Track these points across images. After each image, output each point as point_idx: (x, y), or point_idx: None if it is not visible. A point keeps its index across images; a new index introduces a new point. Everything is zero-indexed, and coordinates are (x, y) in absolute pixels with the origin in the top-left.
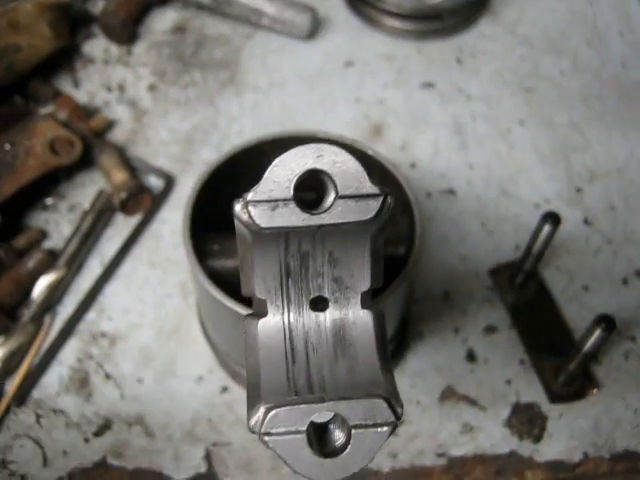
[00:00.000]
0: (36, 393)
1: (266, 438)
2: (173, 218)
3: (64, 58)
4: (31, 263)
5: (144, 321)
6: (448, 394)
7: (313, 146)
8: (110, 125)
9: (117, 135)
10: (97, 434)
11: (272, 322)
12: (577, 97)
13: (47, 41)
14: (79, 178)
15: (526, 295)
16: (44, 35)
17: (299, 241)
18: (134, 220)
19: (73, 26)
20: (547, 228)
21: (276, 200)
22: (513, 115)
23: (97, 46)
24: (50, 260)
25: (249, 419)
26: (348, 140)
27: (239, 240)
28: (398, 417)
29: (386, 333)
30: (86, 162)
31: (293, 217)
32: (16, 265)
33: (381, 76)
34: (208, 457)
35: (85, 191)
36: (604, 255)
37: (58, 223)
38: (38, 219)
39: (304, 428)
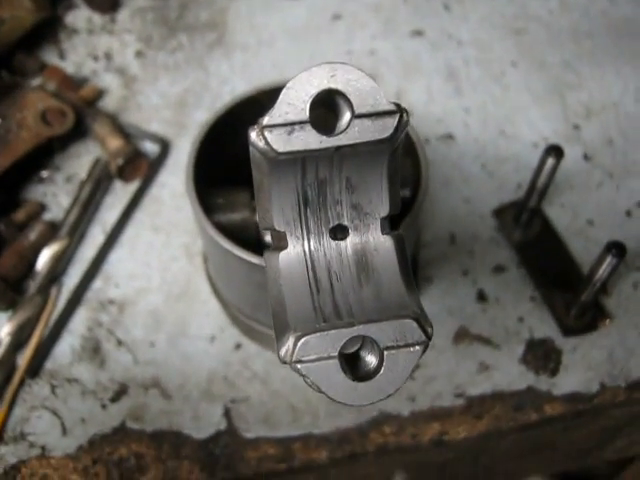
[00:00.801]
0: (49, 364)
1: (298, 366)
2: (172, 181)
3: (47, 30)
4: (33, 235)
5: (151, 285)
6: (462, 335)
7: (326, 65)
8: (100, 94)
9: (108, 103)
10: (114, 400)
11: (293, 254)
12: (567, 35)
13: (29, 13)
14: (73, 148)
15: (532, 233)
16: (25, 7)
17: (316, 167)
18: (133, 186)
19: None
20: (550, 162)
21: (292, 123)
22: (505, 57)
23: (79, 16)
24: (51, 231)
25: (279, 349)
26: None
27: (255, 171)
28: (429, 336)
29: (408, 257)
30: (79, 132)
31: (310, 139)
32: (18, 238)
33: (369, 27)
34: (227, 414)
35: (80, 161)
36: (606, 189)
37: (56, 195)
38: (35, 192)
39: (336, 353)
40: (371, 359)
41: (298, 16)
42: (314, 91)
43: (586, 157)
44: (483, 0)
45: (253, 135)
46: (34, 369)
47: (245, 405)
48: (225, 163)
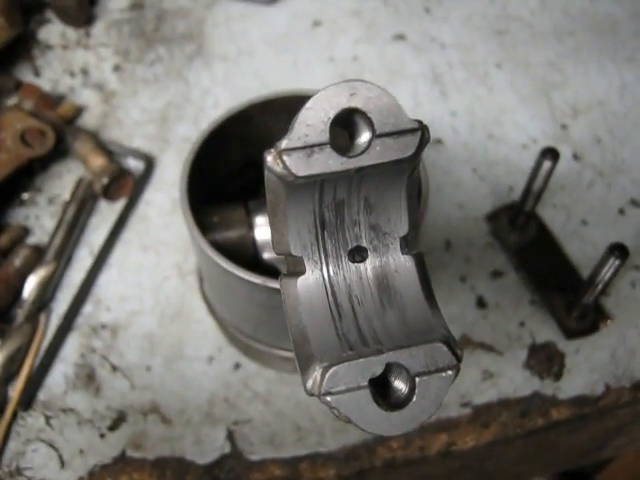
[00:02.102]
0: (42, 395)
1: (328, 398)
2: (158, 198)
3: (20, 47)
4: (18, 261)
5: (144, 307)
6: (464, 343)
7: (345, 84)
8: (79, 111)
9: (88, 120)
10: (112, 428)
11: (311, 279)
12: (549, 35)
13: (1, 30)
14: (54, 168)
15: (527, 236)
16: None
17: (334, 189)
18: (118, 205)
19: (25, 12)
20: (547, 164)
21: (312, 145)
22: (489, 59)
23: (53, 31)
24: (37, 256)
25: (305, 381)
26: None
27: (270, 194)
28: (459, 359)
29: (428, 276)
30: (59, 151)
31: (331, 162)
32: (2, 265)
33: (351, 33)
34: (230, 437)
35: (62, 181)
36: (598, 188)
37: (39, 217)
38: (17, 216)
39: (366, 383)
40: (401, 385)
41: (278, 23)
42: (334, 111)
43: (576, 157)
44: (463, 1)
45: (270, 159)
46: (27, 401)
47: (248, 426)
48: (215, 178)
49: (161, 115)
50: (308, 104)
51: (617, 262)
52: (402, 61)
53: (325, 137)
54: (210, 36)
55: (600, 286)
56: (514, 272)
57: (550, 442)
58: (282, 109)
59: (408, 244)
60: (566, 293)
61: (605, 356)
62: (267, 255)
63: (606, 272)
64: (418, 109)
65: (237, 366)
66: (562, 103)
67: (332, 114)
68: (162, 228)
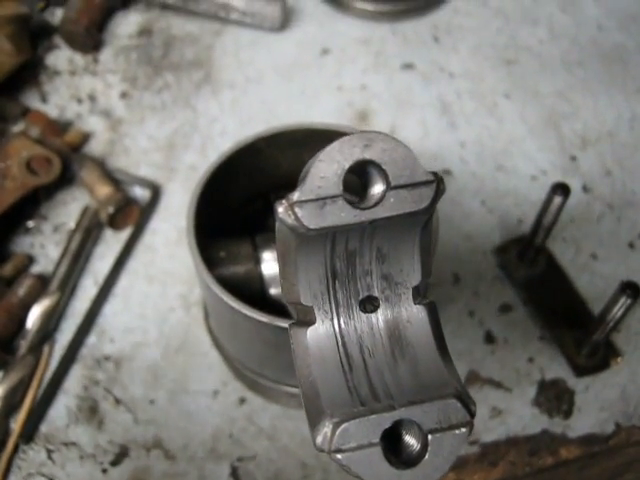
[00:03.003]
0: (44, 427)
1: (338, 456)
2: (164, 228)
3: (28, 73)
4: (22, 291)
5: (148, 339)
6: (472, 379)
7: (359, 135)
8: (86, 138)
9: (94, 148)
10: (114, 463)
11: (322, 329)
12: (558, 65)
13: (9, 57)
14: (60, 196)
15: (536, 270)
16: (5, 50)
17: (346, 239)
18: (124, 234)
19: (33, 38)
20: (557, 200)
21: (324, 198)
22: (497, 89)
23: (61, 57)
24: (41, 285)
25: (315, 437)
26: (351, 129)
27: (280, 244)
28: (473, 415)
29: (441, 327)
30: (65, 179)
31: (343, 214)
32: (6, 295)
33: (359, 61)
34: (235, 473)
35: (68, 209)
36: (607, 221)
37: (43, 246)
38: (22, 244)
39: (377, 440)
40: (412, 441)
41: (286, 51)
42: (347, 163)
43: (585, 189)
44: (472, 31)
45: (281, 210)
46: (28, 434)
47: (253, 463)
48: (222, 209)
49: (168, 143)
50: (321, 156)
51: (629, 301)
52: (410, 90)
53: (338, 189)
54: (218, 63)
55: (611, 324)
56: (523, 307)
57: (559, 479)
58: (290, 142)
59: (420, 293)
60: (576, 329)
61: (615, 394)
62: (274, 290)
63: (617, 310)
64: (426, 139)
65: (242, 401)
66: (571, 134)
67: (346, 166)
68: (168, 258)
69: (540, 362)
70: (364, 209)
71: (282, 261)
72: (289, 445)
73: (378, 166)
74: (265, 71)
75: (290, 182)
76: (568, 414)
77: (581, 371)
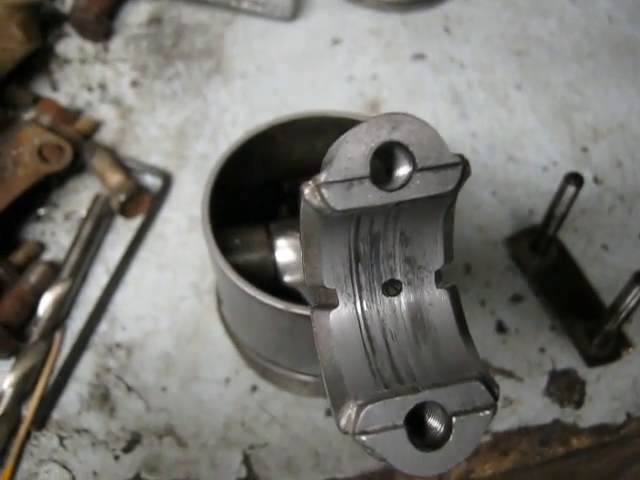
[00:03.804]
0: (56, 414)
1: (363, 437)
2: (175, 216)
3: (38, 61)
4: (33, 278)
5: (160, 327)
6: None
7: (386, 116)
8: (97, 126)
9: (105, 136)
10: (127, 450)
11: (344, 312)
12: (569, 57)
13: (20, 44)
14: (71, 184)
15: (548, 260)
16: (16, 38)
17: (371, 222)
18: (135, 222)
19: (43, 26)
20: (570, 190)
21: (351, 179)
22: (509, 80)
23: (71, 45)
24: (52, 273)
25: (339, 419)
26: (364, 117)
27: (304, 227)
28: (496, 398)
29: (463, 311)
30: (76, 167)
31: (370, 195)
32: (18, 282)
33: (370, 51)
34: (247, 461)
35: (79, 197)
36: (618, 212)
37: (54, 233)
38: (33, 231)
39: (401, 422)
40: (436, 424)
41: (297, 41)
42: (375, 144)
43: (596, 180)
44: (483, 22)
45: (307, 191)
46: (40, 420)
47: (265, 451)
48: (235, 196)
49: (178, 132)
50: (348, 137)
51: None
52: (421, 81)
53: (365, 171)
54: (229, 52)
55: (623, 314)
56: (534, 297)
57: (569, 470)
58: (304, 129)
59: (442, 277)
60: (587, 320)
61: (627, 384)
62: (288, 278)
63: (630, 300)
64: (437, 129)
65: (254, 389)
66: (582, 125)
67: (373, 147)
68: (179, 246)
69: (551, 352)
70: (390, 191)
71: (306, 244)
72: (301, 433)
73: (405, 148)
74: (276, 61)
75: (302, 170)
76: (579, 404)
77: (592, 361)
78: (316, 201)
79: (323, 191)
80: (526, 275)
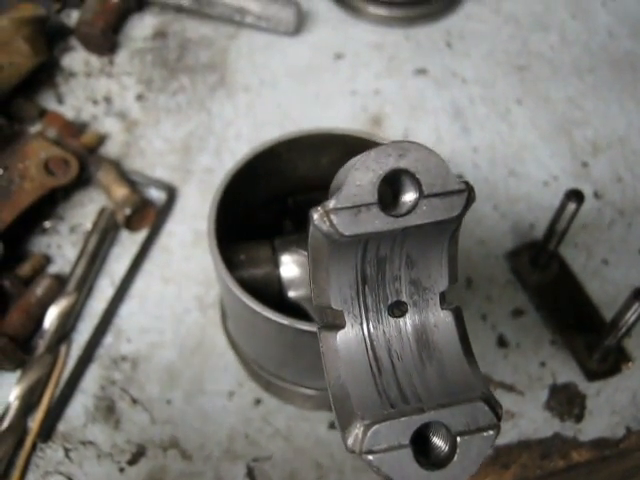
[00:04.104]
0: (62, 426)
1: (369, 457)
2: (180, 230)
3: (44, 74)
4: (39, 291)
5: (165, 339)
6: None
7: (393, 144)
8: (102, 140)
9: (110, 149)
10: (132, 462)
11: (351, 333)
12: (570, 71)
13: (26, 58)
14: (76, 197)
15: (548, 275)
16: (23, 52)
17: (378, 246)
18: (140, 236)
19: (49, 40)
20: (571, 206)
21: (359, 205)
22: (510, 95)
23: (77, 59)
24: (58, 286)
25: (346, 439)
26: (369, 135)
27: (312, 250)
28: (500, 418)
29: (466, 331)
30: (82, 180)
31: (377, 221)
32: (24, 294)
33: (373, 66)
34: (251, 474)
35: (84, 210)
36: (618, 227)
37: (60, 246)
38: (39, 244)
39: (407, 442)
40: (440, 443)
41: (300, 55)
42: (382, 172)
43: (596, 195)
44: (484, 37)
45: (316, 217)
46: (46, 432)
47: (269, 464)
48: (240, 212)
49: (183, 145)
50: (357, 164)
51: None
52: (423, 95)
53: (373, 197)
54: (233, 66)
55: (623, 329)
56: (535, 311)
57: None
58: (309, 146)
59: (446, 299)
60: (587, 334)
61: (626, 398)
62: (292, 293)
63: (630, 316)
64: (439, 144)
65: (258, 402)
66: (582, 140)
67: (381, 175)
68: (183, 260)
69: (552, 366)
70: (397, 217)
71: (314, 266)
72: (304, 446)
73: (412, 175)
74: (279, 75)
75: (307, 186)
76: (579, 418)
77: (592, 375)
78: (325, 226)
79: (332, 217)
80: (527, 289)
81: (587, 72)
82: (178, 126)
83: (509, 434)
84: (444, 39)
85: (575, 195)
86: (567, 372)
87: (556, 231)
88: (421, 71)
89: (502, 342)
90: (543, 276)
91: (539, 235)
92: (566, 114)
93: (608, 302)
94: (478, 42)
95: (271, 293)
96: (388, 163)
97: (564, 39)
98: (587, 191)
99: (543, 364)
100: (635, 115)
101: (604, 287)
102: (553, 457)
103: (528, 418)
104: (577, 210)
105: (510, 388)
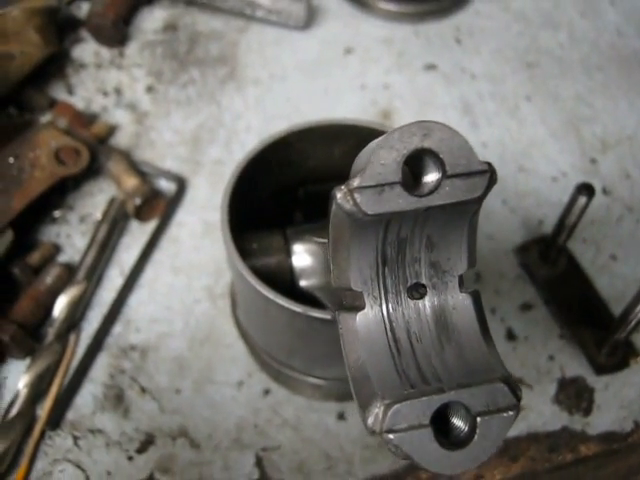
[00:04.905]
0: (70, 414)
1: (390, 436)
2: (189, 220)
3: (55, 65)
4: (49, 279)
5: (174, 329)
6: None
7: (418, 124)
8: (112, 130)
9: (120, 140)
10: (140, 451)
11: (371, 315)
12: (579, 69)
13: (37, 48)
14: (86, 187)
15: (557, 270)
16: (34, 42)
17: (399, 227)
18: (150, 226)
19: (60, 31)
20: (582, 200)
21: (383, 184)
22: (519, 91)
23: (87, 50)
24: (68, 275)
25: (366, 418)
26: (381, 125)
27: (334, 231)
28: (519, 399)
29: (484, 314)
30: (92, 170)
31: (401, 200)
32: (33, 283)
33: (382, 61)
34: (259, 463)
35: (94, 200)
36: (627, 223)
37: (70, 236)
38: (48, 233)
39: (427, 421)
40: (460, 423)
41: (310, 50)
42: (407, 151)
43: (605, 191)
44: (494, 34)
45: (340, 196)
46: (55, 420)
47: (277, 453)
48: (251, 201)
49: (193, 137)
50: (381, 142)
51: None
52: (433, 91)
53: (397, 176)
54: (243, 60)
55: (632, 323)
56: (544, 305)
57: (576, 477)
58: (320, 137)
59: (464, 282)
60: (596, 328)
61: (634, 392)
62: (304, 282)
63: (639, 310)
64: None
65: (267, 392)
66: (591, 137)
67: (405, 154)
68: (193, 250)
69: (560, 360)
70: (420, 196)
71: (334, 247)
72: (313, 436)
73: (435, 155)
74: (289, 69)
75: (318, 177)
76: (588, 412)
77: (601, 369)
78: (348, 205)
79: (356, 195)
80: (536, 284)
81: (596, 70)
82: (188, 118)
83: (518, 427)
84: (453, 35)
85: (586, 189)
86: (575, 366)
87: (566, 225)
88: (430, 67)
89: (511, 336)
90: (552, 271)
91: (548, 230)
92: (575, 111)
93: (616, 297)
94: (487, 39)
95: (283, 282)
96: (412, 142)
97: (573, 37)
98: (596, 187)
99: (552, 358)
100: None
101: (612, 282)
102: (561, 450)
103: (537, 411)
104: (587, 204)
105: (519, 381)
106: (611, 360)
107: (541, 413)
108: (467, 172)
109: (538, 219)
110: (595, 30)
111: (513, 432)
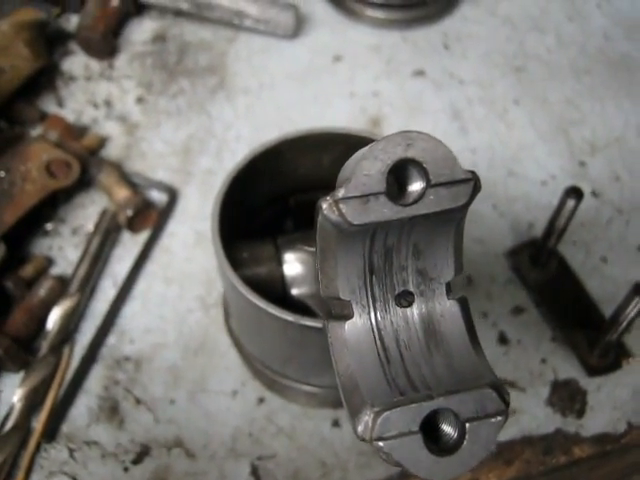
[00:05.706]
0: (65, 427)
1: (380, 443)
2: (181, 231)
3: (45, 78)
4: (42, 292)
5: (168, 340)
6: None
7: (401, 134)
8: (103, 142)
9: (111, 152)
10: (136, 462)
11: (359, 323)
12: (566, 72)
13: (27, 62)
14: (78, 199)
15: (548, 273)
16: (23, 56)
17: (385, 235)
18: (142, 237)
19: (49, 44)
20: (570, 203)
21: (368, 195)
22: (507, 95)
23: (77, 63)
24: (61, 287)
25: (356, 426)
26: (371, 134)
27: (321, 240)
28: (507, 405)
29: (473, 321)
30: (83, 182)
31: (386, 210)
32: (27, 296)
33: (371, 68)
34: (255, 472)
35: (86, 212)
36: (616, 225)
37: (62, 248)
38: (41, 246)
39: (417, 428)
40: (449, 430)
41: (299, 58)
42: (391, 161)
43: (594, 194)
44: (481, 39)
45: (325, 206)
46: (50, 433)
47: (272, 462)
48: (242, 211)
49: (184, 147)
50: (365, 153)
51: None
52: (422, 97)
53: (382, 186)
54: (232, 69)
55: (624, 324)
56: (535, 308)
57: (570, 479)
58: (310, 145)
59: (452, 289)
60: (587, 330)
61: (627, 393)
62: (295, 291)
63: (630, 311)
64: None
65: (261, 400)
66: (580, 140)
67: (389, 164)
68: (185, 261)
69: (553, 362)
70: (404, 206)
71: (322, 256)
72: (308, 444)
73: (419, 164)
74: (278, 77)
75: (308, 186)
76: (581, 413)
77: (593, 371)
78: (334, 216)
79: (341, 206)
80: (527, 287)
81: (584, 73)
82: (178, 128)
83: (511, 430)
84: (441, 41)
85: (574, 192)
86: (568, 368)
87: (556, 228)
88: (419, 73)
89: (503, 339)
90: (543, 274)
91: (538, 234)
92: (563, 114)
93: (607, 298)
94: (475, 44)
95: (274, 291)
96: (396, 152)
97: (560, 41)
98: (585, 190)
99: (544, 361)
100: (631, 114)
101: (603, 284)
102: (555, 453)
103: (530, 414)
104: (576, 207)
105: (512, 385)
106: (603, 361)
107: (535, 416)
108: (451, 181)
109: (528, 222)
110: (582, 34)
111: (507, 435)
